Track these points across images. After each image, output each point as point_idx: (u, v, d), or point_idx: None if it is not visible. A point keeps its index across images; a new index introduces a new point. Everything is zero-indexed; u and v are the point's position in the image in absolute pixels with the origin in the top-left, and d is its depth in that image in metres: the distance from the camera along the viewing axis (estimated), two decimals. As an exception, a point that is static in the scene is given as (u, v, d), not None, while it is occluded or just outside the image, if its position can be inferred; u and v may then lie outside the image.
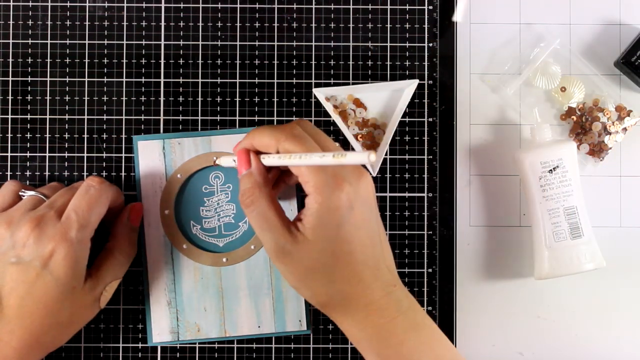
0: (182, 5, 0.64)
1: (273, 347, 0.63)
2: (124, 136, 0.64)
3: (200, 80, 0.64)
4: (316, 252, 0.52)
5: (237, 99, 0.64)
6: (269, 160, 0.54)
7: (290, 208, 0.62)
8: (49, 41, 0.64)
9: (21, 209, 0.57)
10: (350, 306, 0.53)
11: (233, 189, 0.63)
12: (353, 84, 0.64)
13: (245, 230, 0.63)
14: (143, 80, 0.64)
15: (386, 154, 0.64)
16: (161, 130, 0.64)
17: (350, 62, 0.64)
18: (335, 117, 0.63)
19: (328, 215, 0.52)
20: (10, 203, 0.59)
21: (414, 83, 0.63)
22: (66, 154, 0.63)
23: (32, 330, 0.54)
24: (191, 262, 0.62)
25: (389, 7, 0.64)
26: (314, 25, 0.64)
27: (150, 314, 0.62)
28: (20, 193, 0.59)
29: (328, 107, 0.63)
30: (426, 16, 0.64)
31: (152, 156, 0.63)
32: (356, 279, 0.53)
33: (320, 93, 0.63)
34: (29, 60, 0.64)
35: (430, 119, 0.64)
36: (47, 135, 0.63)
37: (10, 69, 0.64)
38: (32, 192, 0.59)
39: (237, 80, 0.64)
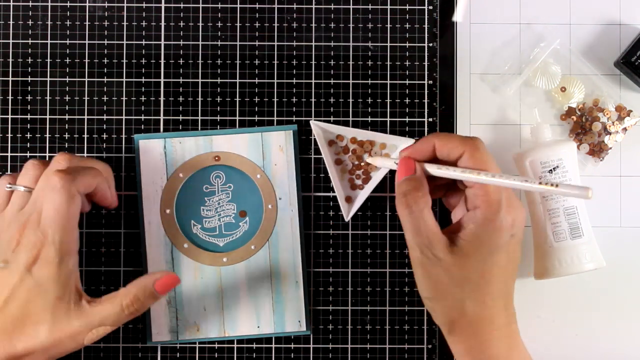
0: (182, 5, 0.64)
1: (273, 347, 0.63)
2: (124, 136, 0.64)
3: (200, 80, 0.64)
4: (467, 267, 0.52)
5: (237, 99, 0.64)
6: (445, 172, 0.54)
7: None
8: (49, 41, 0.64)
9: (11, 211, 0.57)
10: (479, 327, 0.53)
11: (234, 189, 0.63)
12: (353, 122, 0.63)
13: (245, 230, 0.63)
14: (143, 80, 0.64)
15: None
16: (161, 131, 0.64)
17: (350, 62, 0.64)
18: (324, 145, 0.63)
19: (491, 235, 0.52)
20: (6, 200, 0.58)
21: (410, 142, 0.63)
22: (66, 154, 0.63)
23: (11, 337, 0.54)
24: (191, 261, 0.63)
25: (389, 7, 0.64)
26: (314, 25, 0.64)
27: (150, 313, 0.62)
28: (6, 187, 0.58)
29: (321, 139, 0.63)
30: (426, 16, 0.64)
31: (153, 155, 0.63)
32: (490, 305, 0.53)
33: (317, 127, 0.63)
34: (29, 60, 0.64)
35: (430, 119, 0.64)
36: (47, 135, 0.63)
37: (10, 69, 0.64)
38: (19, 187, 0.57)
39: (237, 80, 0.64)
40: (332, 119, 0.64)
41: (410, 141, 0.63)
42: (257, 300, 0.62)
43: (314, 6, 0.64)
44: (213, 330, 0.62)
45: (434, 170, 0.55)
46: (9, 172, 0.63)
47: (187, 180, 0.63)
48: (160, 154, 0.63)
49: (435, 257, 0.53)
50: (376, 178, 0.63)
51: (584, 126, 0.64)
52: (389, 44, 0.64)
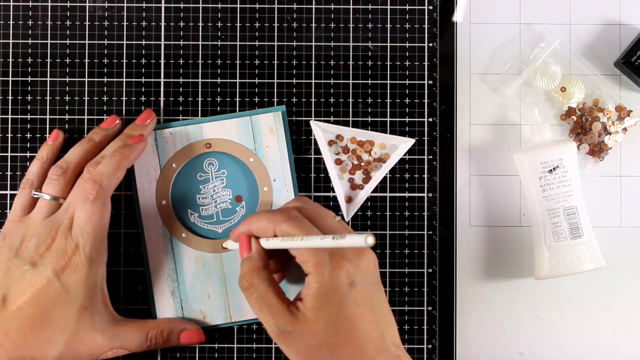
0: (182, 5, 0.64)
1: (273, 347, 0.63)
2: (124, 136, 0.63)
3: (200, 80, 0.64)
4: (318, 332, 0.52)
5: (237, 99, 0.64)
6: (268, 243, 0.54)
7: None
8: (49, 41, 0.64)
9: (37, 216, 0.57)
10: None
11: (228, 175, 0.63)
12: (353, 122, 0.64)
13: (243, 215, 0.63)
14: (143, 80, 0.64)
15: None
16: (161, 130, 0.64)
17: (350, 62, 0.64)
18: (324, 145, 0.63)
19: (329, 294, 0.52)
20: (30, 206, 0.59)
21: (410, 142, 0.63)
22: (66, 154, 0.63)
23: (27, 338, 0.54)
24: (191, 250, 0.63)
25: (389, 7, 0.64)
26: (314, 25, 0.64)
27: (155, 304, 0.62)
28: (33, 194, 0.59)
29: (321, 139, 0.63)
30: (426, 16, 0.64)
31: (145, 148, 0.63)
32: (358, 355, 0.52)
33: (317, 127, 0.63)
34: (29, 60, 0.64)
35: (430, 119, 0.64)
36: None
37: (10, 69, 0.64)
38: (45, 196, 0.58)
39: (237, 80, 0.64)
40: (332, 119, 0.64)
41: (411, 141, 0.63)
42: None
43: (314, 6, 0.64)
44: (219, 316, 0.62)
45: (264, 243, 0.55)
46: (10, 175, 0.63)
47: (181, 169, 0.63)
48: (152, 145, 0.63)
49: (285, 331, 0.52)
50: (376, 178, 0.63)
51: (584, 126, 0.64)
52: (389, 44, 0.64)
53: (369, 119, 0.64)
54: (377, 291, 0.54)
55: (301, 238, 0.51)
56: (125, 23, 0.64)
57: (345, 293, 0.52)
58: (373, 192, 0.64)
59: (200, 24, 0.64)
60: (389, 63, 0.64)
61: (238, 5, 0.64)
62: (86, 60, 0.64)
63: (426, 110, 0.64)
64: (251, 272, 0.54)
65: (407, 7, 0.64)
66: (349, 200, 0.64)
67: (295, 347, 0.53)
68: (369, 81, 0.64)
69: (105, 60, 0.64)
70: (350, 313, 0.52)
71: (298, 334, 0.52)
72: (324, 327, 0.52)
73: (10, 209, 0.63)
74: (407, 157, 0.64)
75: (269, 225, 0.54)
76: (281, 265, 0.58)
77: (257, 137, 0.63)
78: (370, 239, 0.44)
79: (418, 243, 0.64)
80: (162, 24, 0.64)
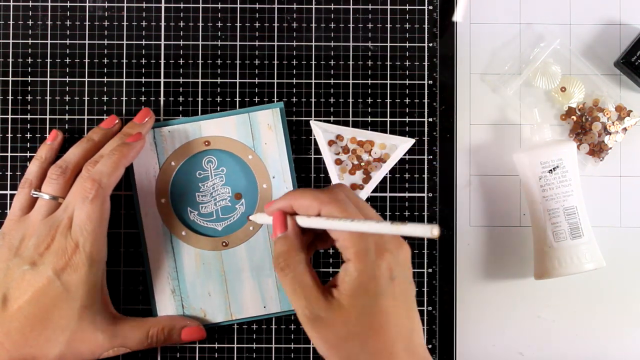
0: (182, 5, 0.64)
1: (273, 347, 0.63)
2: (124, 136, 0.63)
3: (200, 80, 0.64)
4: (351, 321, 0.50)
5: (237, 99, 0.64)
6: (308, 221, 0.52)
7: None
8: (49, 41, 0.64)
9: (36, 215, 0.58)
10: None
11: (227, 172, 0.63)
12: (353, 122, 0.64)
13: (242, 212, 0.63)
14: (143, 80, 0.64)
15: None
16: (161, 130, 0.64)
17: (350, 62, 0.64)
18: (324, 145, 0.63)
19: (368, 284, 0.50)
20: (29, 205, 0.59)
21: (410, 142, 0.63)
22: (66, 154, 0.63)
23: (27, 338, 0.54)
24: (191, 248, 0.63)
25: (389, 7, 0.64)
26: (314, 25, 0.64)
27: (155, 303, 0.62)
28: (32, 194, 0.59)
29: (321, 139, 0.63)
30: (426, 16, 0.64)
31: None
32: (387, 352, 0.51)
33: (317, 127, 0.63)
34: (29, 60, 0.64)
35: (430, 119, 0.64)
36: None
37: (10, 69, 0.64)
38: (44, 195, 0.58)
39: (237, 80, 0.64)
40: (332, 119, 0.64)
41: (411, 141, 0.63)
42: (260, 280, 0.63)
43: (314, 6, 0.64)
44: (220, 314, 0.63)
45: (304, 221, 0.53)
46: (10, 175, 0.63)
47: (180, 167, 0.63)
48: (151, 143, 0.63)
49: (317, 316, 0.51)
50: (376, 178, 0.63)
51: (584, 126, 0.64)
52: (389, 44, 0.64)
53: (369, 119, 0.64)
54: (411, 288, 0.53)
55: (351, 220, 0.49)
56: (125, 23, 0.64)
57: (384, 285, 0.51)
58: (373, 192, 0.64)
59: (200, 24, 0.64)
60: (389, 63, 0.64)
61: (238, 5, 0.64)
62: (86, 60, 0.64)
63: (426, 110, 0.64)
64: (289, 252, 0.52)
65: (407, 7, 0.64)
66: None
67: (324, 335, 0.51)
68: (369, 81, 0.64)
69: (105, 60, 0.64)
70: (385, 306, 0.51)
71: (330, 320, 0.51)
72: (358, 317, 0.51)
73: (9, 209, 0.63)
74: (407, 157, 0.64)
75: (314, 203, 0.52)
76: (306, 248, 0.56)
77: (256, 134, 0.63)
78: (435, 230, 0.42)
79: (418, 243, 0.64)
80: (162, 24, 0.64)
